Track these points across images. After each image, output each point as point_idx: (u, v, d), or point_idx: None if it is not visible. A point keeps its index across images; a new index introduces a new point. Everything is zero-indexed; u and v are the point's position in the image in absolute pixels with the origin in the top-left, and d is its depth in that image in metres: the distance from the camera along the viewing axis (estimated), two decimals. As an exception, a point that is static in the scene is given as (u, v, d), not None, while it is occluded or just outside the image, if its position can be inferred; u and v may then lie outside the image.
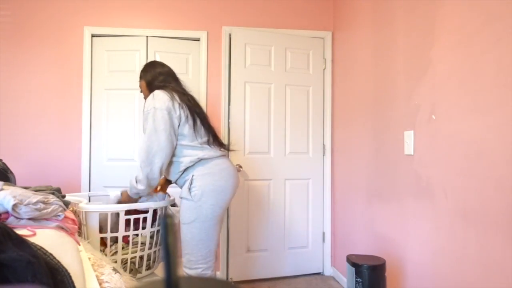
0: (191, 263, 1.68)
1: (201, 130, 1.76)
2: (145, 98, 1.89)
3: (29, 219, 1.14)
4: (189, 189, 1.68)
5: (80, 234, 1.60)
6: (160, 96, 1.70)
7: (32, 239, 0.93)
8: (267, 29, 2.90)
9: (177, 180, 1.79)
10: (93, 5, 2.75)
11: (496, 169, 1.31)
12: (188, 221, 1.67)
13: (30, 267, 0.76)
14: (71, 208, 1.60)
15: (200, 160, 1.71)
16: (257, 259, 2.81)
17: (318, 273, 2.98)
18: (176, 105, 1.70)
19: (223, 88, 2.85)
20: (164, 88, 1.78)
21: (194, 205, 1.66)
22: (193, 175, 1.69)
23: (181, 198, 1.74)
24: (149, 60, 2.15)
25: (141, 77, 1.93)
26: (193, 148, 1.72)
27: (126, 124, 2.78)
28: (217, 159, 1.75)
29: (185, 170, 1.72)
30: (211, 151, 1.74)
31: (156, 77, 1.86)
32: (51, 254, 0.91)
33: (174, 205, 2.23)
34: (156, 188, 1.94)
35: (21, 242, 0.82)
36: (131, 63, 2.79)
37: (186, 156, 1.71)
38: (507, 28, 1.27)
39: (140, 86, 1.94)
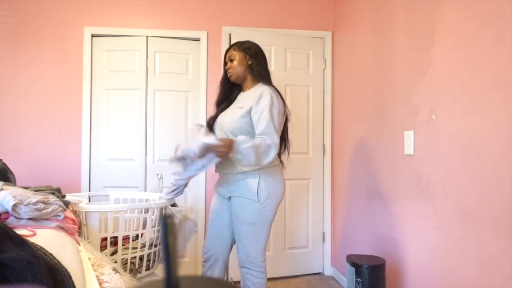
0: (251, 258, 1.71)
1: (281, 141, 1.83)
2: (234, 74, 1.79)
3: (29, 219, 1.14)
4: (257, 190, 1.68)
5: (80, 234, 1.60)
6: (281, 101, 1.73)
7: (32, 239, 0.93)
8: (267, 29, 2.90)
9: (238, 173, 1.72)
10: (93, 5, 2.75)
11: (496, 169, 1.31)
12: (251, 222, 1.69)
13: (30, 267, 0.76)
14: (71, 208, 1.60)
15: (270, 166, 1.73)
16: (257, 259, 2.80)
17: (318, 273, 2.98)
18: (284, 115, 1.77)
19: (223, 88, 2.85)
20: (273, 85, 1.79)
21: (259, 207, 1.68)
22: (259, 176, 1.70)
23: (238, 197, 1.71)
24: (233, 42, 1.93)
25: (245, 51, 1.80)
26: None
27: (126, 124, 2.78)
28: (278, 165, 1.81)
29: (253, 170, 1.70)
30: (277, 159, 1.80)
31: (267, 70, 1.87)
32: (51, 254, 0.90)
33: (174, 205, 2.23)
34: None
35: (21, 242, 0.82)
36: (131, 63, 2.79)
37: None
38: (507, 28, 1.27)
39: (235, 57, 1.79)
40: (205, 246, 1.86)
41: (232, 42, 2.80)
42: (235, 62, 1.79)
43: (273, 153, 1.62)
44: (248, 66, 1.80)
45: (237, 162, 1.65)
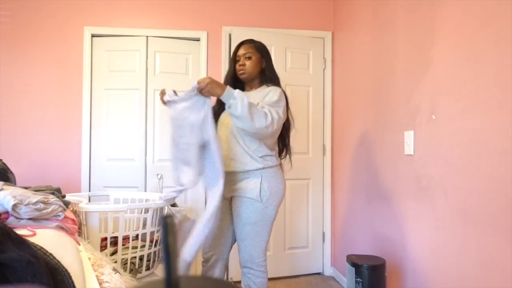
0: (253, 258, 1.72)
1: (281, 142, 1.86)
2: (247, 72, 1.77)
3: (29, 219, 1.14)
4: (259, 190, 1.69)
5: (80, 234, 1.60)
6: (286, 102, 1.74)
7: (32, 239, 0.93)
8: (267, 29, 2.90)
9: (240, 172, 1.71)
10: (93, 5, 2.75)
11: (496, 169, 1.31)
12: (254, 221, 1.70)
13: (30, 267, 0.76)
14: (71, 208, 1.60)
15: (272, 166, 1.75)
16: (257, 259, 2.80)
17: (318, 273, 2.98)
18: (286, 115, 1.78)
19: (223, 88, 2.84)
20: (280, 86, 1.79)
21: (261, 206, 1.69)
22: (262, 176, 1.70)
23: (240, 197, 1.72)
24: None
25: (262, 53, 1.80)
26: (272, 155, 1.76)
27: (126, 124, 2.78)
28: (279, 166, 1.83)
29: (255, 169, 1.71)
30: (278, 159, 1.83)
31: (276, 73, 1.86)
32: (51, 254, 0.90)
33: (174, 205, 2.23)
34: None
35: (21, 242, 0.82)
36: (131, 63, 2.79)
37: (265, 160, 1.72)
38: (507, 28, 1.27)
39: (252, 55, 1.77)
40: (205, 246, 1.86)
41: (232, 42, 2.81)
42: (252, 62, 1.77)
43: (268, 121, 1.57)
44: (261, 69, 1.80)
45: (227, 108, 1.56)
